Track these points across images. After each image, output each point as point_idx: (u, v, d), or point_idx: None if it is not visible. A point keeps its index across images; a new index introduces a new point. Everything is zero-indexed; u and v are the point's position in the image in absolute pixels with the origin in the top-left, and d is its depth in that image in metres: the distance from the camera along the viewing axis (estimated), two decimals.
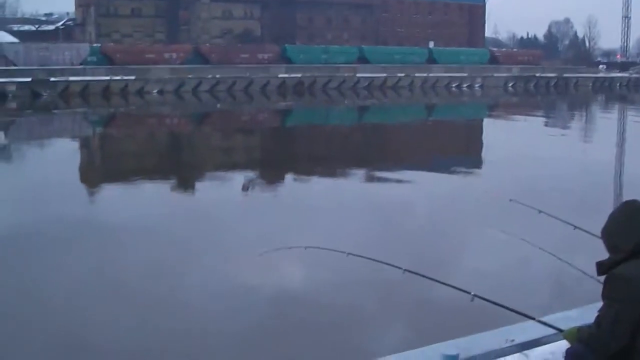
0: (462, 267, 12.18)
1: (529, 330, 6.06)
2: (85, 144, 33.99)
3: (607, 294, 4.69)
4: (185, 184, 23.19)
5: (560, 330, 5.23)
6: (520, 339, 5.96)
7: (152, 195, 20.60)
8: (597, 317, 4.78)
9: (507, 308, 5.44)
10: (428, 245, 14.22)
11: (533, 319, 5.46)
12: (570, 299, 8.93)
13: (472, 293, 5.46)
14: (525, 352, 6.21)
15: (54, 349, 9.39)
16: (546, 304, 7.91)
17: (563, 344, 5.90)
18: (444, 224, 16.45)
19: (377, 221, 16.51)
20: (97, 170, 27.09)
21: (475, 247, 14.08)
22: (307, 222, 16.32)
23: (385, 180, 23.76)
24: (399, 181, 23.34)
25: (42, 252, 13.70)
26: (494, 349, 5.81)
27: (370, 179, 24.28)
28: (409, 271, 5.79)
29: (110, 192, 21.65)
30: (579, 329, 4.97)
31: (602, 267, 4.85)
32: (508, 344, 5.88)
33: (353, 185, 22.86)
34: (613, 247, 4.81)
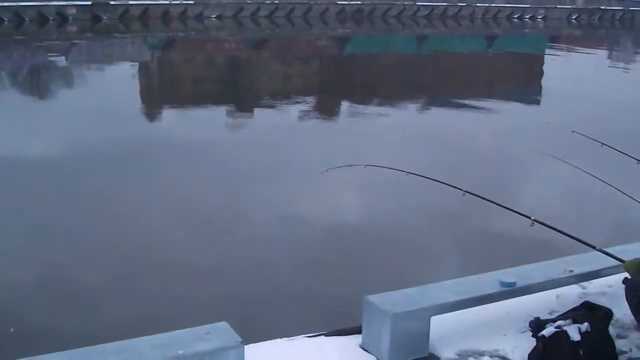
0: (523, 194, 12.14)
1: (588, 261, 6.04)
2: (144, 68, 34.14)
3: None
4: (244, 109, 23.30)
5: (622, 261, 5.20)
6: (579, 269, 5.94)
7: (211, 120, 20.76)
8: None
9: (567, 235, 5.41)
10: (489, 171, 14.20)
11: (594, 247, 5.43)
12: (631, 233, 8.85)
13: (533, 218, 5.43)
14: (583, 283, 6.21)
15: (121, 265, 9.61)
16: (607, 236, 7.83)
17: (622, 277, 5.88)
18: (505, 152, 16.41)
19: (438, 147, 16.53)
20: (156, 95, 27.30)
21: (536, 175, 13.99)
22: (368, 146, 16.34)
23: (445, 108, 23.61)
24: (459, 110, 23.17)
25: (104, 173, 13.96)
26: (552, 278, 5.80)
27: (430, 107, 24.15)
28: (469, 193, 5.78)
29: (171, 116, 21.85)
30: None
31: None
32: (566, 274, 5.86)
33: (413, 113, 22.79)
34: None
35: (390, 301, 5.20)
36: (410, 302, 5.21)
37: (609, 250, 5.60)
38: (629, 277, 5.09)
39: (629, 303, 5.03)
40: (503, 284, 5.51)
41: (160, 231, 10.78)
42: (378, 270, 9.29)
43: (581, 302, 5.72)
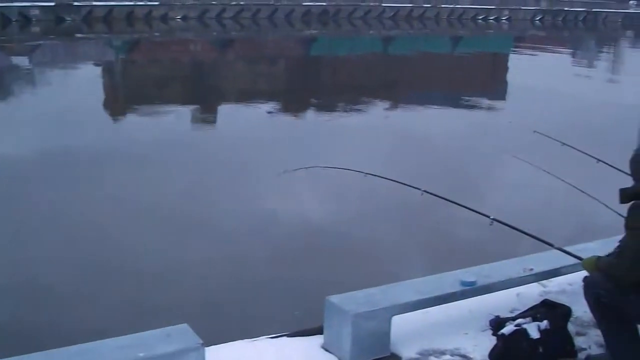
0: (482, 193, 12.23)
1: (548, 259, 6.10)
2: (108, 70, 33.92)
3: (630, 224, 4.66)
4: (208, 110, 23.25)
5: (580, 259, 5.25)
6: (538, 268, 6.00)
7: (175, 121, 20.70)
8: (619, 246, 4.77)
9: (526, 233, 5.45)
10: (448, 171, 14.27)
11: (552, 245, 5.48)
12: (590, 231, 8.96)
13: (491, 217, 5.47)
14: (543, 281, 6.27)
15: (83, 268, 9.54)
16: (566, 235, 7.90)
17: (582, 275, 5.94)
18: (465, 152, 16.53)
19: (398, 147, 16.60)
20: (120, 96, 27.15)
21: (496, 174, 14.12)
22: (330, 146, 16.38)
23: (407, 110, 23.74)
24: (421, 111, 23.32)
25: (65, 176, 13.84)
26: (512, 277, 5.85)
27: (393, 108, 24.27)
28: (428, 192, 5.80)
29: (133, 117, 21.74)
30: (599, 258, 4.98)
31: (625, 195, 4.80)
32: (526, 273, 5.91)
33: (377, 114, 22.88)
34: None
35: (351, 301, 5.22)
36: (371, 302, 5.23)
37: (567, 248, 5.66)
38: (588, 275, 5.13)
39: (587, 300, 5.07)
40: (464, 283, 5.55)
41: (115, 232, 10.72)
42: (337, 270, 9.31)
43: (541, 300, 5.78)
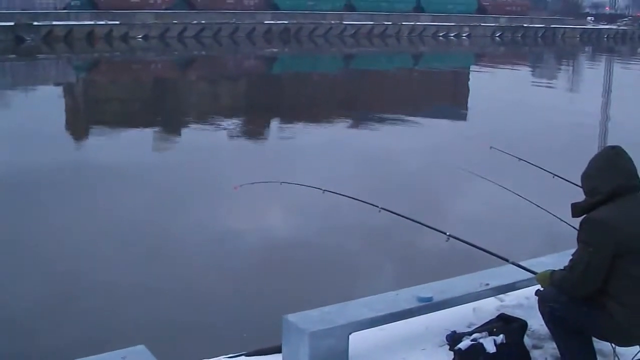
0: (439, 210, 12.31)
1: (504, 274, 6.14)
2: (69, 90, 33.68)
3: (582, 238, 4.74)
4: (169, 129, 23.18)
5: (534, 274, 5.31)
6: (495, 283, 6.03)
7: (134, 141, 20.61)
8: (571, 260, 4.84)
9: (482, 249, 5.50)
10: (406, 188, 14.37)
11: (507, 260, 5.53)
12: (545, 246, 9.04)
13: (448, 233, 5.52)
14: (500, 296, 6.30)
15: (40, 288, 9.45)
16: (521, 250, 7.97)
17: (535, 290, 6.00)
18: (424, 168, 16.65)
19: (357, 164, 16.67)
20: (80, 116, 26.94)
21: (453, 191, 14.21)
22: (288, 163, 16.46)
23: (367, 127, 23.85)
24: (380, 128, 23.44)
25: (27, 197, 13.71)
26: (469, 292, 5.88)
27: (353, 125, 24.41)
28: (385, 209, 5.83)
29: (94, 138, 21.60)
30: (552, 273, 5.03)
31: (577, 209, 4.89)
32: (483, 288, 5.95)
33: (335, 131, 22.99)
34: (591, 189, 4.84)
35: (308, 320, 5.22)
36: (328, 320, 5.23)
37: (522, 263, 5.71)
38: (541, 289, 5.19)
39: (541, 314, 5.12)
40: (420, 299, 5.58)
41: (72, 254, 10.64)
42: (295, 287, 9.31)
43: (498, 314, 5.82)
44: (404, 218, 5.83)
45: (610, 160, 4.82)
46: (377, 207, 5.88)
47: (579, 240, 4.79)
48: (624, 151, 4.87)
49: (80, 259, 10.47)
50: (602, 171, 4.80)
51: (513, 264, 5.61)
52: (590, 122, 24.43)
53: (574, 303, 4.88)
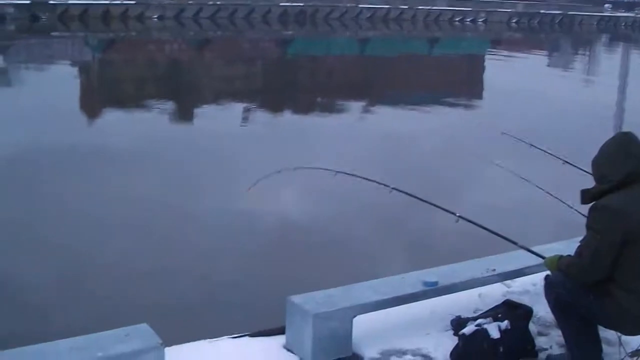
0: (449, 193, 12.29)
1: (511, 260, 6.14)
2: (84, 69, 33.71)
3: (591, 225, 4.71)
4: (185, 111, 23.18)
5: (543, 258, 5.27)
6: (501, 268, 6.02)
7: (151, 122, 20.62)
8: (579, 246, 4.80)
9: (491, 231, 5.47)
10: (418, 171, 14.37)
11: (516, 243, 5.50)
12: (555, 232, 9.00)
13: (457, 214, 5.49)
14: (507, 281, 6.29)
15: (41, 265, 9.49)
16: (531, 235, 7.92)
17: (543, 276, 5.97)
18: (434, 153, 16.62)
19: (371, 148, 16.65)
20: (95, 96, 26.99)
21: (464, 175, 14.19)
22: (304, 147, 16.41)
23: (382, 111, 23.80)
24: (395, 112, 23.39)
25: (44, 175, 13.78)
26: (475, 277, 5.87)
27: (367, 110, 24.33)
28: (397, 189, 5.82)
29: (108, 118, 21.62)
30: (561, 257, 5.00)
31: (586, 196, 4.85)
32: (489, 273, 5.93)
33: (350, 115, 22.91)
34: (601, 176, 4.79)
35: (312, 301, 5.21)
36: (333, 302, 5.23)
37: (532, 248, 5.68)
38: (549, 274, 5.17)
39: (547, 300, 5.10)
40: (426, 283, 5.56)
41: (77, 234, 10.68)
42: (306, 269, 9.33)
43: (503, 300, 5.80)
44: (414, 198, 5.81)
45: (621, 146, 4.75)
46: (389, 186, 5.87)
47: (587, 226, 4.76)
48: (636, 137, 4.80)
49: (90, 240, 10.50)
50: (613, 158, 4.73)
51: (522, 247, 5.57)
52: (604, 111, 24.29)
53: (581, 290, 4.86)
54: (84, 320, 7.47)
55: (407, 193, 5.88)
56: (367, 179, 6.11)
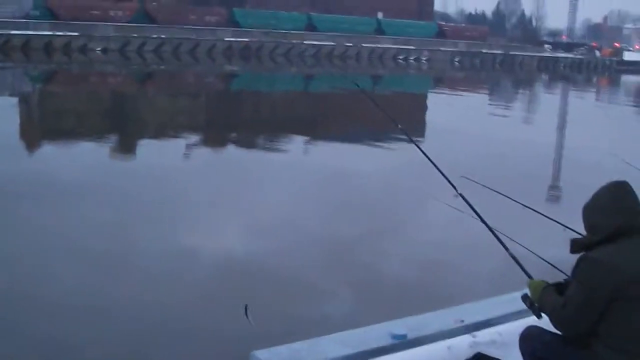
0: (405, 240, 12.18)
1: (478, 310, 5.99)
2: (24, 101, 33.09)
3: (578, 277, 4.51)
4: (124, 144, 22.80)
5: (529, 277, 5.07)
6: (469, 319, 5.85)
7: (90, 156, 20.20)
8: (565, 296, 4.60)
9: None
10: (374, 218, 14.20)
11: (507, 249, 5.30)
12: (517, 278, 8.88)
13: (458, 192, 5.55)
14: (474, 332, 6.11)
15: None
16: (493, 281, 7.81)
17: (511, 326, 5.83)
18: (394, 195, 16.46)
19: (318, 193, 16.40)
20: (35, 128, 26.45)
21: (422, 221, 14.08)
22: (238, 188, 16.18)
23: (328, 151, 23.63)
24: (342, 154, 23.20)
25: None
26: (443, 329, 5.68)
27: (311, 149, 24.16)
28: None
29: (45, 150, 21.17)
30: (546, 288, 4.79)
31: (576, 245, 4.66)
32: (457, 324, 5.76)
33: (295, 155, 22.70)
34: (592, 226, 4.59)
35: (277, 357, 4.95)
36: (298, 358, 4.97)
37: (499, 299, 5.53)
38: (528, 294, 4.93)
39: (522, 353, 4.92)
40: (394, 336, 5.34)
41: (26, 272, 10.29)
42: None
43: (472, 352, 5.61)
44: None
45: (613, 197, 4.56)
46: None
47: (574, 276, 4.57)
48: (630, 187, 4.61)
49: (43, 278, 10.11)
50: (603, 209, 4.54)
51: (511, 256, 5.37)
52: (545, 149, 24.63)
53: (558, 343, 4.68)
54: None
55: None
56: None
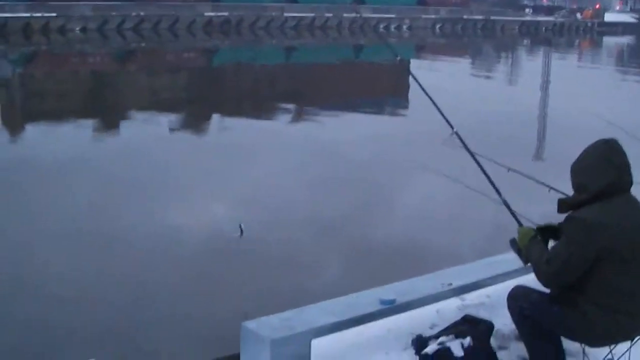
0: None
1: (466, 273, 6.05)
2: (3, 84, 32.83)
3: (565, 234, 4.55)
4: (108, 124, 22.68)
5: (520, 224, 5.10)
6: (457, 282, 5.90)
7: (72, 137, 20.10)
8: (550, 252, 4.64)
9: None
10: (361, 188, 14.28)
11: (500, 195, 5.33)
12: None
13: (454, 129, 5.71)
14: (463, 295, 6.17)
15: None
16: (479, 244, 7.87)
17: (499, 287, 5.89)
18: (376, 166, 16.51)
19: (302, 155, 16.47)
20: (15, 111, 26.27)
21: (409, 186, 14.14)
22: (224, 165, 16.17)
23: (313, 121, 23.60)
24: (328, 122, 23.21)
25: None
26: (431, 293, 5.73)
27: (297, 119, 24.13)
28: None
29: (28, 133, 21.05)
30: (533, 238, 4.81)
31: (563, 205, 4.69)
32: (445, 288, 5.81)
33: (279, 126, 22.68)
34: (579, 185, 4.60)
35: (268, 326, 4.98)
36: (289, 326, 5.00)
37: (486, 260, 5.57)
38: (516, 240, 4.95)
39: (511, 313, 4.97)
40: (383, 301, 5.38)
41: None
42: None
43: (461, 315, 5.66)
44: None
45: (601, 156, 4.53)
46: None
47: (564, 232, 4.58)
48: (619, 145, 4.59)
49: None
50: (592, 168, 4.52)
51: (504, 202, 5.41)
52: (532, 112, 24.69)
53: (544, 302, 4.74)
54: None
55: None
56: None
